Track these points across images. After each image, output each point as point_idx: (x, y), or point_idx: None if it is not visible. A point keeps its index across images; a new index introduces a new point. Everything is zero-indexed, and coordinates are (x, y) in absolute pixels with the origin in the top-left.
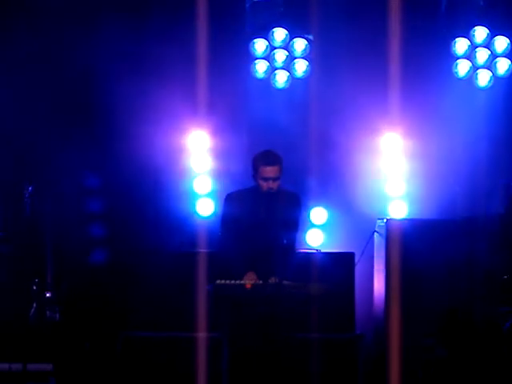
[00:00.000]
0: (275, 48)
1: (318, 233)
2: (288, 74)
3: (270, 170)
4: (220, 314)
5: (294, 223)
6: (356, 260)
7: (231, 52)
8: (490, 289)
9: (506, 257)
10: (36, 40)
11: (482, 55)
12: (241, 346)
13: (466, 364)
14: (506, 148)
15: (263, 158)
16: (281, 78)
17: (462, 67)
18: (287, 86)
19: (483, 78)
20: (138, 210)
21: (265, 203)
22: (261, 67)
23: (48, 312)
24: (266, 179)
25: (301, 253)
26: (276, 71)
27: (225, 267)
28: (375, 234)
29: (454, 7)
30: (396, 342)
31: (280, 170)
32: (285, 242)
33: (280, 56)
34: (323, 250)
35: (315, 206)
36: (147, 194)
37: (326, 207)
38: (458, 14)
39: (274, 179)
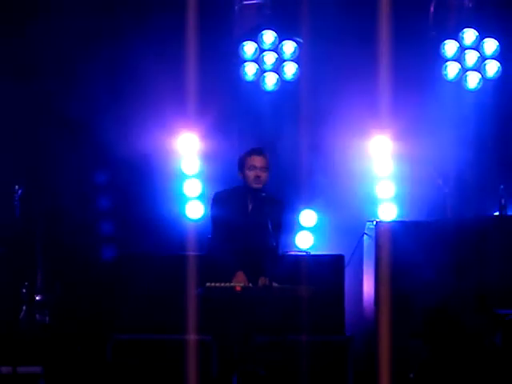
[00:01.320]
0: (264, 50)
1: (308, 235)
2: (277, 76)
3: (257, 159)
4: (210, 317)
5: (278, 227)
6: (346, 262)
7: (220, 55)
8: (480, 290)
9: (496, 259)
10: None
11: (471, 57)
12: (230, 348)
13: (454, 365)
14: (495, 150)
15: (249, 150)
16: (270, 81)
17: (451, 69)
18: (276, 89)
19: (472, 80)
20: (127, 213)
21: (252, 202)
22: (250, 70)
23: (38, 315)
24: (253, 167)
25: (290, 255)
26: (265, 74)
27: (214, 268)
28: (365, 236)
29: (442, 10)
30: (386, 344)
31: (267, 162)
32: (274, 243)
33: (269, 58)
34: (313, 253)
35: (305, 208)
36: (137, 197)
37: (315, 209)
38: (447, 17)
39: (262, 168)
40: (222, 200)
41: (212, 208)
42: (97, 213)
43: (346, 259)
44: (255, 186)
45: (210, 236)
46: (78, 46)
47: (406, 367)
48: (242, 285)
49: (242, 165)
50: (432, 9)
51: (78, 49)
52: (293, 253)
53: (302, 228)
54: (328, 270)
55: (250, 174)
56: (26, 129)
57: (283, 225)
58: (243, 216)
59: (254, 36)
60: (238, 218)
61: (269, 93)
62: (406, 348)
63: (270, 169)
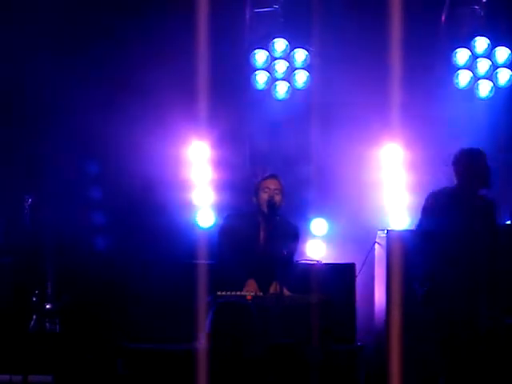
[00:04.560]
0: (276, 59)
1: (319, 244)
2: (288, 84)
3: (270, 182)
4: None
5: (290, 254)
6: (357, 271)
7: (231, 63)
8: (493, 298)
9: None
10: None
11: (483, 66)
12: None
13: (468, 374)
14: (508, 158)
15: (264, 176)
16: (281, 89)
17: (463, 78)
18: (288, 97)
19: (484, 89)
20: (138, 222)
21: (264, 230)
22: (261, 78)
23: (48, 324)
24: (267, 189)
25: (302, 264)
26: (276, 82)
27: (224, 277)
28: (376, 245)
29: (454, 18)
30: (397, 354)
31: (280, 185)
32: (285, 252)
33: (280, 67)
34: (324, 261)
35: (316, 217)
36: (147, 206)
37: (326, 218)
38: (459, 25)
39: (275, 190)
40: (233, 219)
41: (223, 224)
42: (107, 223)
43: (358, 268)
44: (268, 209)
45: (216, 248)
46: (83, 56)
47: (418, 376)
48: (252, 293)
49: (256, 189)
50: (444, 17)
51: (84, 59)
52: (304, 261)
53: (314, 237)
54: (339, 279)
55: (264, 195)
56: (34, 138)
57: (295, 251)
58: (254, 238)
59: (266, 44)
60: (248, 239)
61: (280, 101)
62: (418, 358)
63: (284, 194)
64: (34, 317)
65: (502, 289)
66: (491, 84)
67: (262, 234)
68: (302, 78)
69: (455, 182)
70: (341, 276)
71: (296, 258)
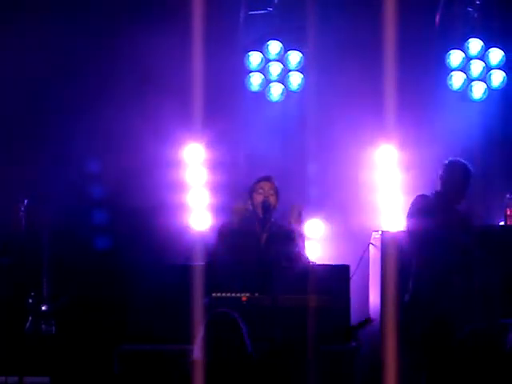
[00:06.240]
0: (270, 61)
1: (314, 245)
2: (283, 86)
3: (264, 184)
4: None
5: (287, 256)
6: (351, 272)
7: (226, 65)
8: (487, 301)
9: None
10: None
11: (477, 67)
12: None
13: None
14: (501, 160)
15: (257, 179)
16: (276, 91)
17: (457, 79)
18: (282, 99)
19: (478, 91)
20: (133, 224)
21: (259, 229)
22: (255, 80)
23: (44, 325)
24: (261, 190)
25: (296, 265)
26: (271, 84)
27: (219, 279)
28: (370, 246)
29: (448, 19)
30: (392, 355)
31: (274, 186)
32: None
33: (275, 69)
34: (318, 263)
35: (311, 218)
36: (142, 207)
37: (321, 219)
38: (453, 26)
39: (270, 191)
40: (231, 229)
41: (220, 234)
42: (104, 224)
43: (352, 269)
44: (263, 211)
45: (214, 250)
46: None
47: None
48: (247, 295)
49: (250, 192)
50: (437, 19)
51: (83, 61)
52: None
53: (308, 238)
54: (334, 280)
55: (258, 197)
56: (29, 140)
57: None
58: (251, 250)
59: (260, 46)
60: (246, 253)
61: (274, 103)
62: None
63: (278, 195)
64: (30, 318)
65: (496, 291)
66: (485, 86)
67: (258, 237)
68: (296, 80)
69: (437, 188)
70: (335, 277)
71: (294, 260)
